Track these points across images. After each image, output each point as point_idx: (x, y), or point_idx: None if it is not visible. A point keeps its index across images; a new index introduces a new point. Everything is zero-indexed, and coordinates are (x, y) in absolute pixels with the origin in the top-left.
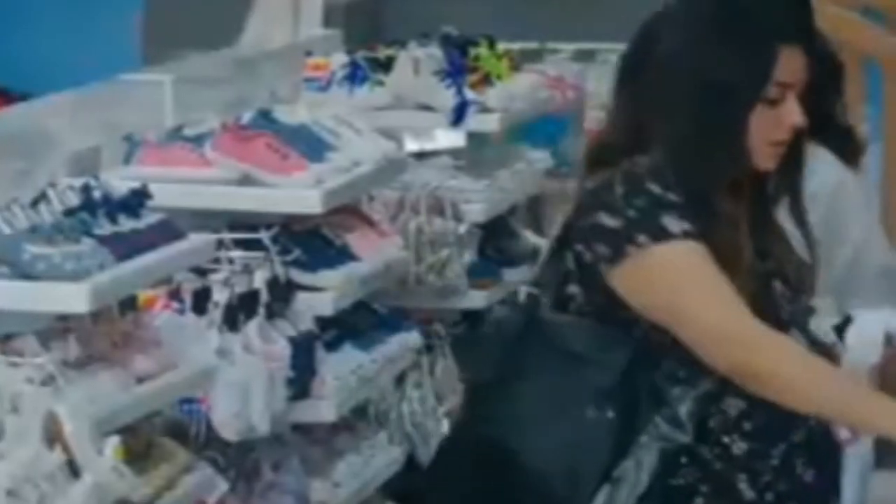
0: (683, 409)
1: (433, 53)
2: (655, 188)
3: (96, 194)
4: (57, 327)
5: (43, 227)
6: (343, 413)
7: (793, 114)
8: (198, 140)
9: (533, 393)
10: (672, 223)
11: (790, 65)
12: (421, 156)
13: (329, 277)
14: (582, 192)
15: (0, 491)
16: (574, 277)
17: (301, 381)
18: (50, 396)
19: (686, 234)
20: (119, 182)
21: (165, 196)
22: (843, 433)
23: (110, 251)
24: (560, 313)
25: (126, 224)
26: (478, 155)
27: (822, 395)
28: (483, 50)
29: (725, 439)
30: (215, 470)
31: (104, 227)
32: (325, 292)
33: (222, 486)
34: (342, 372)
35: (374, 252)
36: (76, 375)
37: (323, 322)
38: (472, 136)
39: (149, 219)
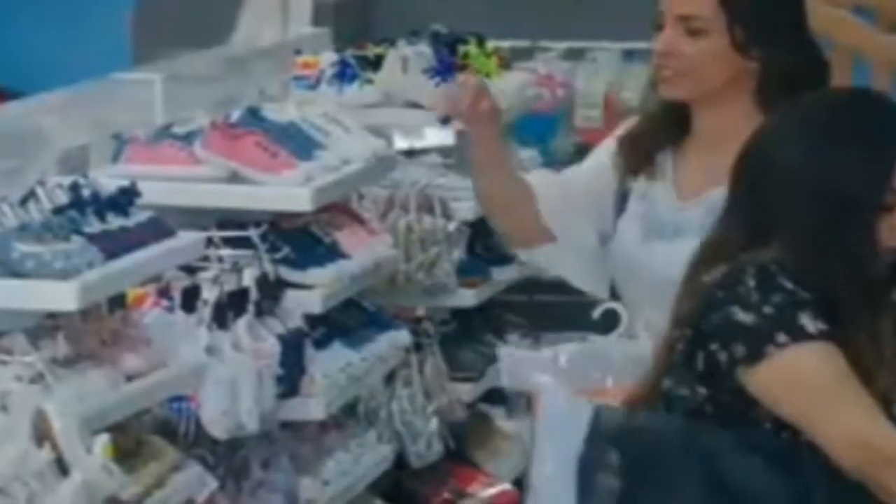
0: None
1: (422, 51)
2: (788, 284)
3: (85, 192)
4: (46, 325)
5: (32, 225)
6: (332, 411)
7: None
8: (187, 138)
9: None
10: (809, 322)
11: None
12: (410, 154)
13: (318, 275)
14: (700, 286)
15: None
16: (701, 377)
17: (290, 378)
18: (39, 394)
19: (822, 334)
20: (108, 180)
21: (154, 194)
22: None
23: (99, 249)
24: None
25: (115, 222)
26: (467, 153)
27: None
28: (472, 48)
29: None
30: (204, 468)
31: (93, 225)
32: (315, 290)
33: (211, 483)
34: (331, 370)
35: (363, 250)
36: (65, 373)
37: (312, 320)
38: (462, 134)
39: (138, 217)
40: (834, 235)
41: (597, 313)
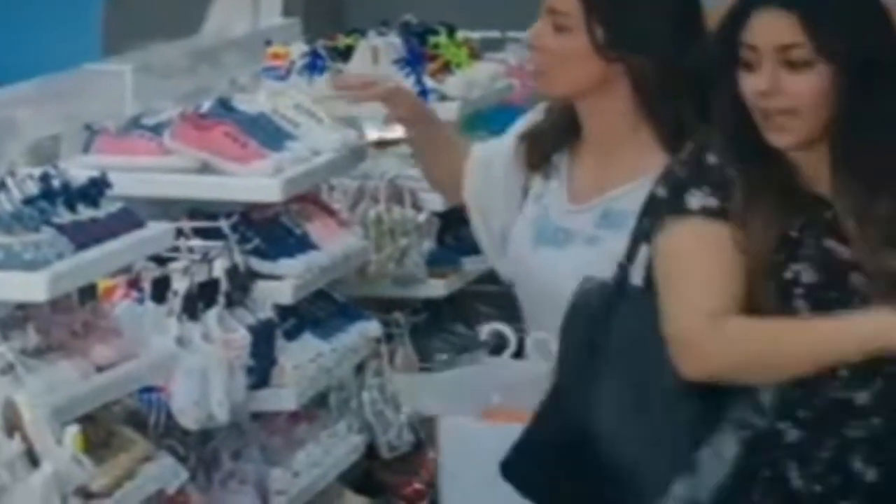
0: (767, 397)
1: (392, 42)
2: (713, 158)
3: (55, 183)
4: (16, 316)
5: (2, 216)
6: (303, 402)
7: (756, 79)
8: (156, 129)
9: (619, 374)
10: (694, 199)
11: (760, 27)
12: (380, 144)
13: (288, 266)
14: None
15: None
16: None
17: (261, 369)
18: (9, 385)
19: (705, 211)
20: (78, 171)
21: (124, 185)
22: None
23: (69, 240)
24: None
25: (85, 213)
26: None
27: (781, 358)
28: (442, 38)
29: (780, 426)
30: (175, 459)
31: (63, 216)
32: (285, 281)
33: (182, 475)
34: (302, 360)
35: (333, 241)
36: (35, 364)
37: (283, 311)
38: None
39: (108, 207)
40: (711, 97)
41: (483, 334)
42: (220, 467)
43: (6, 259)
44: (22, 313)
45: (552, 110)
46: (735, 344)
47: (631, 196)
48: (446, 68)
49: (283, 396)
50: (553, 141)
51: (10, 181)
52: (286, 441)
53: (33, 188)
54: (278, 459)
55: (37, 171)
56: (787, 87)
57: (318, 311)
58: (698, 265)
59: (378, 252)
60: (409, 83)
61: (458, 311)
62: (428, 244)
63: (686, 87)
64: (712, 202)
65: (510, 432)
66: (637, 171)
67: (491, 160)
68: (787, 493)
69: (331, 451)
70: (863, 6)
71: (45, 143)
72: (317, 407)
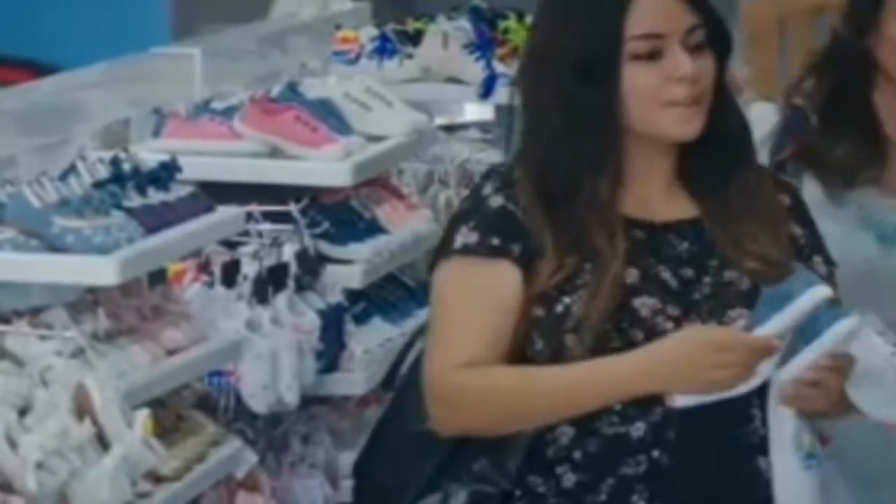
0: (512, 462)
1: (462, 26)
2: (487, 188)
3: (126, 167)
4: (86, 300)
5: (72, 199)
6: (371, 386)
7: (670, 66)
8: (226, 113)
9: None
10: (461, 236)
11: (661, 14)
12: (450, 129)
13: (358, 250)
14: None
15: (30, 463)
16: None
17: (330, 353)
18: (79, 369)
19: (466, 250)
20: (148, 155)
21: (194, 168)
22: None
23: (139, 224)
24: None
25: (155, 196)
26: (506, 128)
27: (524, 405)
28: (512, 23)
29: (558, 470)
30: (244, 443)
31: (133, 200)
32: (354, 265)
33: (251, 458)
34: (371, 345)
35: (403, 225)
36: (105, 348)
37: (352, 295)
38: (501, 109)
39: (178, 191)
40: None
41: None
42: (290, 451)
43: (77, 243)
44: (92, 297)
45: None
46: (482, 402)
47: None
48: (515, 53)
49: (352, 381)
50: None
51: (80, 165)
52: (355, 425)
53: (104, 172)
54: (347, 443)
55: (107, 155)
56: (697, 72)
57: (387, 296)
58: (454, 311)
59: None
60: (478, 68)
61: None
62: None
63: None
64: (474, 238)
65: None
66: None
67: None
68: None
69: None
70: None
71: (114, 127)
72: (386, 391)
